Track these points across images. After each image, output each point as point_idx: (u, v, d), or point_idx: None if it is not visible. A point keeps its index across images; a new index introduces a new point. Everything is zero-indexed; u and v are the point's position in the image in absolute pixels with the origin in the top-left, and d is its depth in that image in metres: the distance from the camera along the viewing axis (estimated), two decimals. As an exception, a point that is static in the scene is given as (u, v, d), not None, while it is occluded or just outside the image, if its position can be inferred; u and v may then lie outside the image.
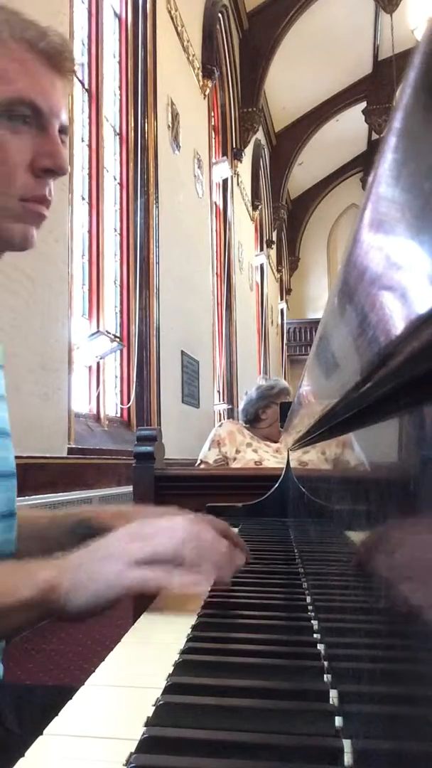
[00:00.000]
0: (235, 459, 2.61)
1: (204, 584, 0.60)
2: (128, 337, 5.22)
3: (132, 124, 5.44)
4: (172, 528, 0.62)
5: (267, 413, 2.79)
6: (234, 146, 9.28)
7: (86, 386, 4.54)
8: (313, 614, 0.60)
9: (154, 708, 0.39)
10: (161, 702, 0.40)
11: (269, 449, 2.68)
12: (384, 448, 0.27)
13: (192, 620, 0.59)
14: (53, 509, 3.24)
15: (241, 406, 2.95)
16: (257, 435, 2.74)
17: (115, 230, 5.26)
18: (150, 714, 0.39)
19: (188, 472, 2.16)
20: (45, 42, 0.69)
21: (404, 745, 0.23)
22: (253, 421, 2.81)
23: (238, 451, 2.62)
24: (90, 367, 4.55)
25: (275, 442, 2.75)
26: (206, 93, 7.56)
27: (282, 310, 15.60)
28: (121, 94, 5.46)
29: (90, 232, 4.64)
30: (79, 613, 0.58)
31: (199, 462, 2.71)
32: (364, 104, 11.89)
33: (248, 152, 10.20)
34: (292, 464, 1.24)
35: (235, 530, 1.16)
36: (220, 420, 7.70)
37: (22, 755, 0.35)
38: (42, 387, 3.36)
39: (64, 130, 0.72)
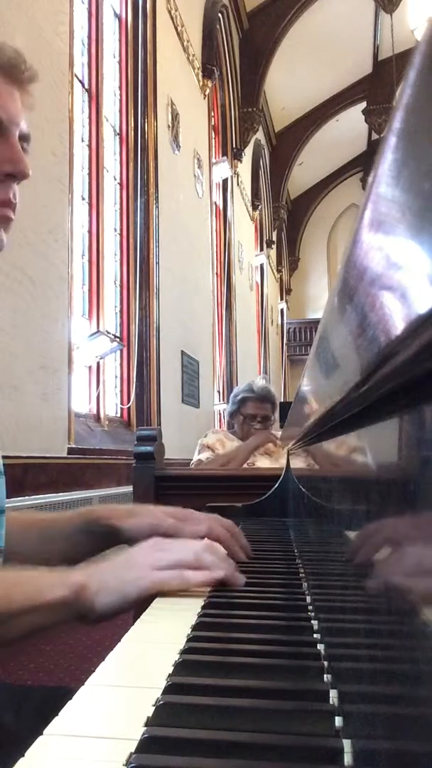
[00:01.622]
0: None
1: (219, 573, 0.67)
2: (128, 337, 5.22)
3: (132, 124, 5.44)
4: (189, 541, 0.71)
5: (236, 421, 2.78)
6: (234, 146, 9.27)
7: (86, 386, 4.54)
8: (313, 614, 0.60)
9: (154, 708, 0.39)
10: (161, 702, 0.40)
11: (258, 452, 2.67)
12: (384, 448, 0.27)
13: (193, 621, 0.59)
14: (53, 509, 3.24)
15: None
16: (242, 440, 2.72)
17: (115, 230, 5.26)
18: (150, 714, 0.39)
19: (188, 472, 2.16)
20: (2, 54, 0.73)
21: (404, 745, 0.23)
22: (232, 427, 2.80)
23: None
24: (90, 367, 4.55)
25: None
26: (206, 93, 7.56)
27: (282, 310, 15.60)
28: (121, 94, 5.46)
29: (90, 232, 4.64)
30: (105, 613, 0.62)
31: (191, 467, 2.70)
32: (364, 104, 11.89)
33: (248, 152, 10.20)
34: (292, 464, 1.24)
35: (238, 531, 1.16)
36: (220, 420, 7.70)
37: (22, 755, 0.35)
38: (42, 387, 3.35)
39: (25, 138, 0.75)
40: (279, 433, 2.99)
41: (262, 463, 2.58)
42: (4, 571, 0.66)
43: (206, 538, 0.78)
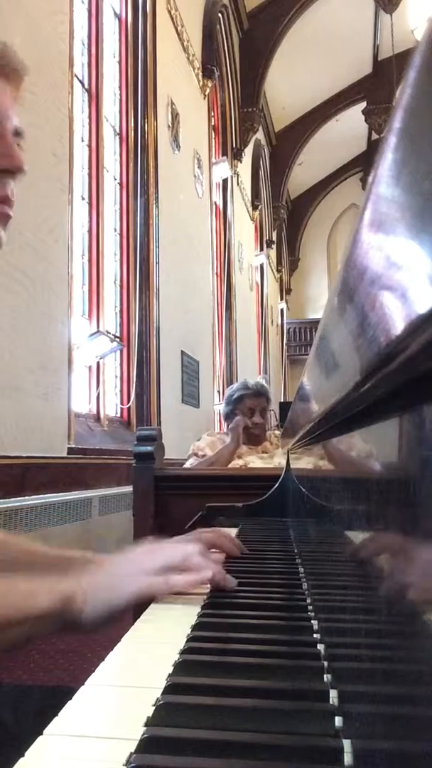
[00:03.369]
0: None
1: (207, 573, 0.66)
2: (128, 337, 5.22)
3: (132, 124, 5.44)
4: (178, 545, 0.70)
5: (233, 420, 2.78)
6: (234, 146, 9.27)
7: (86, 386, 4.54)
8: (313, 614, 0.60)
9: (154, 708, 0.39)
10: (161, 702, 0.40)
11: (253, 452, 2.68)
12: (384, 448, 0.27)
13: (192, 621, 0.59)
14: (53, 509, 3.24)
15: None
16: (244, 440, 2.72)
17: (115, 230, 5.26)
18: (150, 714, 0.39)
19: (188, 472, 2.16)
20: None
21: (404, 745, 0.23)
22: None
23: None
24: (90, 367, 4.55)
25: (258, 442, 2.74)
26: (206, 93, 7.55)
27: (282, 310, 15.60)
28: (121, 94, 5.45)
29: (90, 232, 4.64)
30: (93, 623, 0.61)
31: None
32: (364, 104, 11.88)
33: (248, 152, 10.20)
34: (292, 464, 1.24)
35: (234, 531, 1.16)
36: (220, 420, 7.70)
37: (22, 755, 0.35)
38: (42, 387, 3.35)
39: (18, 133, 0.74)
40: (277, 432, 3.00)
41: (256, 463, 2.58)
42: None
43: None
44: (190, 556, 0.66)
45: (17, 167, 0.72)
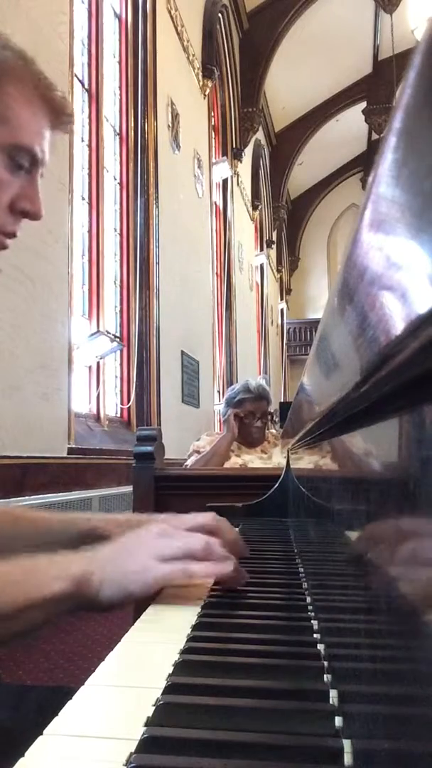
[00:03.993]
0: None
1: (228, 566, 0.64)
2: (128, 337, 5.22)
3: (132, 124, 5.44)
4: (196, 534, 0.67)
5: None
6: (234, 146, 9.27)
7: (86, 386, 4.54)
8: (313, 614, 0.60)
9: (154, 708, 0.39)
10: (161, 702, 0.40)
11: (252, 452, 2.67)
12: (384, 448, 0.27)
13: (193, 621, 0.59)
14: (53, 509, 3.24)
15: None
16: (237, 441, 2.72)
17: (115, 230, 5.26)
18: (150, 714, 0.39)
19: (188, 472, 2.16)
20: (53, 98, 0.77)
21: (404, 745, 0.23)
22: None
23: None
24: (90, 367, 4.55)
25: (257, 444, 2.73)
26: (206, 93, 7.55)
27: (282, 310, 15.60)
28: (121, 94, 5.45)
29: (90, 232, 4.64)
30: (110, 605, 0.60)
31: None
32: (364, 104, 11.88)
33: (248, 152, 10.20)
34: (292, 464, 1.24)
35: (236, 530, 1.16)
36: (220, 420, 7.69)
37: (22, 755, 0.35)
38: (42, 387, 3.35)
39: (42, 174, 0.79)
40: (274, 431, 3.00)
41: (256, 463, 2.58)
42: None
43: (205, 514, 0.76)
44: (212, 546, 0.64)
45: (37, 214, 0.77)
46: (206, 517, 0.79)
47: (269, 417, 2.80)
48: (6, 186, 0.73)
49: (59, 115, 0.77)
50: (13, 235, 0.77)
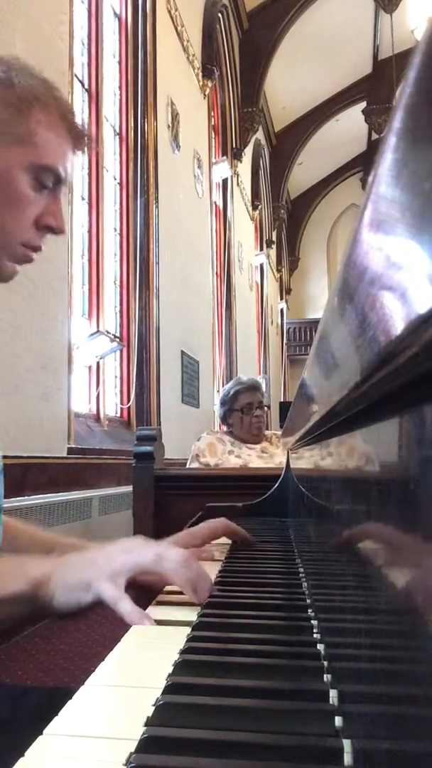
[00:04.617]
0: (216, 466, 2.60)
1: (146, 623, 0.61)
2: (128, 337, 5.22)
3: (132, 124, 5.44)
4: (159, 546, 0.67)
5: (232, 419, 2.79)
6: (234, 146, 9.27)
7: (86, 386, 4.54)
8: (313, 614, 0.60)
9: (154, 708, 0.39)
10: (161, 702, 0.40)
11: (253, 451, 2.68)
12: (384, 448, 0.27)
13: (193, 620, 0.59)
14: (53, 509, 3.24)
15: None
16: (238, 439, 2.72)
17: (115, 230, 5.26)
18: (150, 714, 0.39)
19: (188, 472, 2.16)
20: (75, 123, 0.83)
21: (404, 745, 0.23)
22: (228, 426, 2.81)
23: (220, 459, 2.61)
24: (90, 367, 4.55)
25: (257, 443, 2.74)
26: (206, 93, 7.55)
27: (282, 310, 15.59)
28: (121, 94, 5.45)
29: (90, 232, 4.64)
30: (62, 611, 0.62)
31: None
32: (364, 104, 11.88)
33: (248, 152, 10.19)
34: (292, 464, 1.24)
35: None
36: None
37: (22, 755, 0.35)
38: (42, 387, 3.35)
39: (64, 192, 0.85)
40: (278, 433, 3.00)
41: (256, 463, 2.58)
42: None
43: (191, 551, 0.75)
44: (161, 562, 0.64)
45: (61, 229, 0.82)
46: (217, 520, 0.82)
47: (265, 409, 2.83)
48: (32, 203, 0.79)
49: (80, 138, 0.84)
50: (38, 249, 0.82)
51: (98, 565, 0.64)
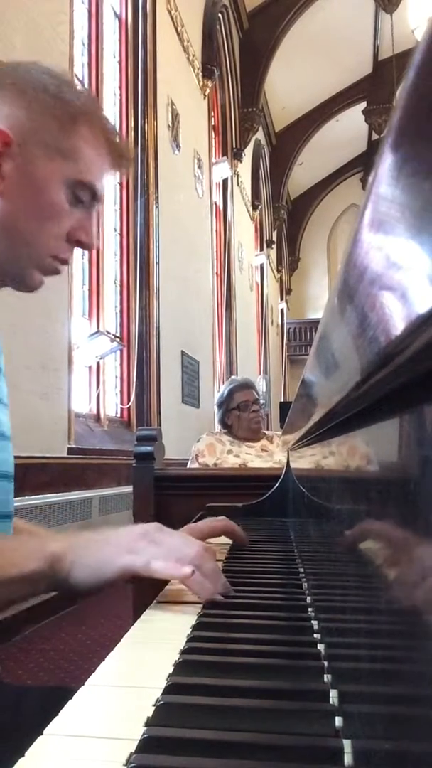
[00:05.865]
0: (215, 466, 2.61)
1: (186, 571, 0.62)
2: (128, 337, 5.22)
3: (132, 124, 5.44)
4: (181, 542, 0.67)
5: (231, 419, 2.80)
6: (234, 146, 9.27)
7: (86, 386, 4.54)
8: (313, 614, 0.60)
9: (154, 708, 0.39)
10: (161, 702, 0.39)
11: (252, 450, 2.69)
12: (384, 448, 0.27)
13: (193, 621, 0.59)
14: (53, 509, 3.24)
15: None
16: (237, 439, 2.74)
17: (115, 230, 5.26)
18: (150, 714, 0.39)
19: (188, 472, 2.16)
20: (118, 143, 0.84)
21: (404, 745, 0.23)
22: (227, 428, 2.83)
23: (218, 459, 2.62)
24: (90, 367, 4.55)
25: (257, 440, 2.75)
26: (206, 93, 7.55)
27: (282, 310, 15.60)
28: (121, 94, 5.45)
29: (90, 232, 4.64)
30: (79, 588, 0.63)
31: None
32: (364, 104, 11.88)
33: (248, 152, 10.20)
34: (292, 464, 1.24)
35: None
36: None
37: (22, 755, 0.35)
38: (42, 387, 3.35)
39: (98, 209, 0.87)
40: (279, 433, 3.01)
41: (256, 462, 2.59)
42: None
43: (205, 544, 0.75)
44: (204, 556, 0.65)
45: (91, 246, 0.84)
46: (219, 519, 0.83)
47: (261, 405, 2.87)
48: (66, 217, 0.80)
49: (121, 159, 0.84)
50: (66, 262, 0.83)
51: (118, 542, 0.64)
